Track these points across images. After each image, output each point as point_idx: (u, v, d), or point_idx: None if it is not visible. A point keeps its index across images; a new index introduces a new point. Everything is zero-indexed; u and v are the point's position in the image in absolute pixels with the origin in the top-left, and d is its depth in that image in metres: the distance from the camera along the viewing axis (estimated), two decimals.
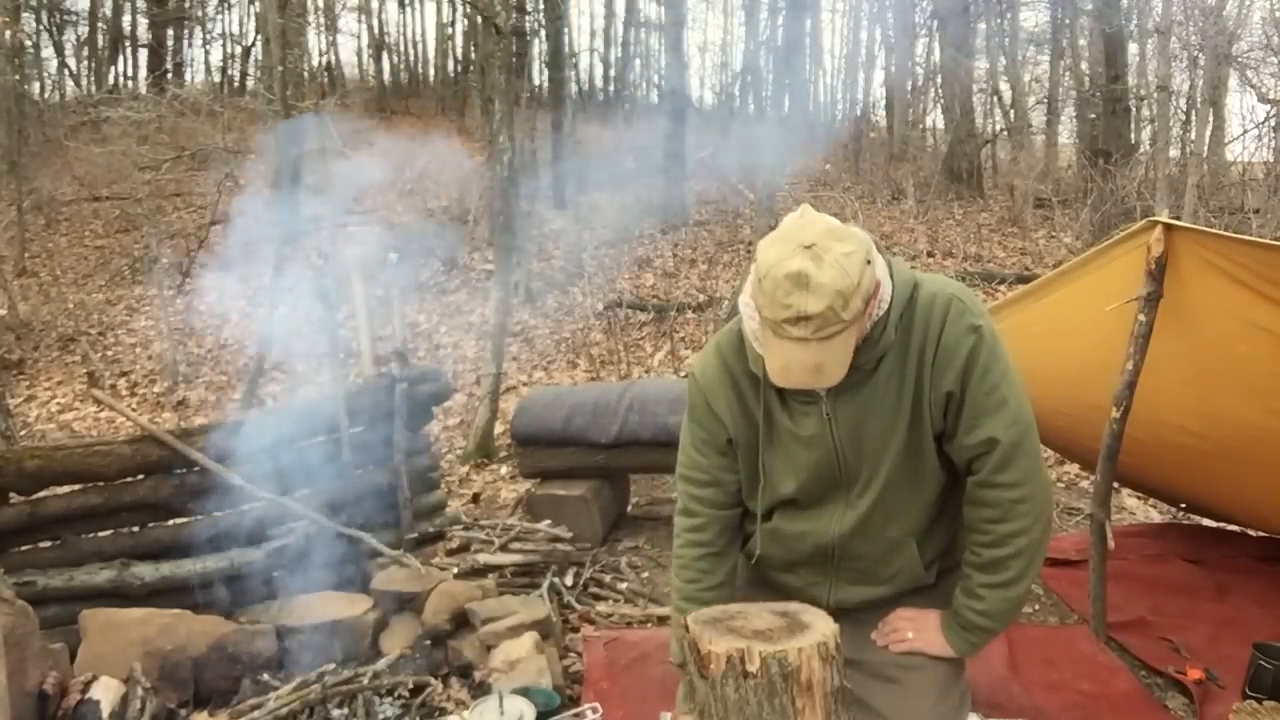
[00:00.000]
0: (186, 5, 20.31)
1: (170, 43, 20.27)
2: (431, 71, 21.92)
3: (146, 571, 3.29)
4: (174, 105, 11.75)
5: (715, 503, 1.90)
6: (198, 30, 21.21)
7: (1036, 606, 3.80)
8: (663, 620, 3.65)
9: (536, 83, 14.82)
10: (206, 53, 21.97)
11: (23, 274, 11.11)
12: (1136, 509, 5.06)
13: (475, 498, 5.49)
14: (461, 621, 3.23)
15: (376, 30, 20.87)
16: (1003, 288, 9.11)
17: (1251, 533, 4.29)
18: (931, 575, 1.89)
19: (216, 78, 20.51)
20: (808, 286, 1.48)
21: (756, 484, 1.86)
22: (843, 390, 1.70)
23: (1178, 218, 4.91)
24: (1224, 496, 3.96)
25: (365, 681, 2.86)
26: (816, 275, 1.48)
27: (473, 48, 16.41)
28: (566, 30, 16.01)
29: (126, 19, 20.12)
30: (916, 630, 1.86)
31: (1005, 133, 15.28)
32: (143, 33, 20.08)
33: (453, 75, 20.41)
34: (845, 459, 1.76)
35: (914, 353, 1.68)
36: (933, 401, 1.69)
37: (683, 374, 7.35)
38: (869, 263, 1.55)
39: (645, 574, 4.20)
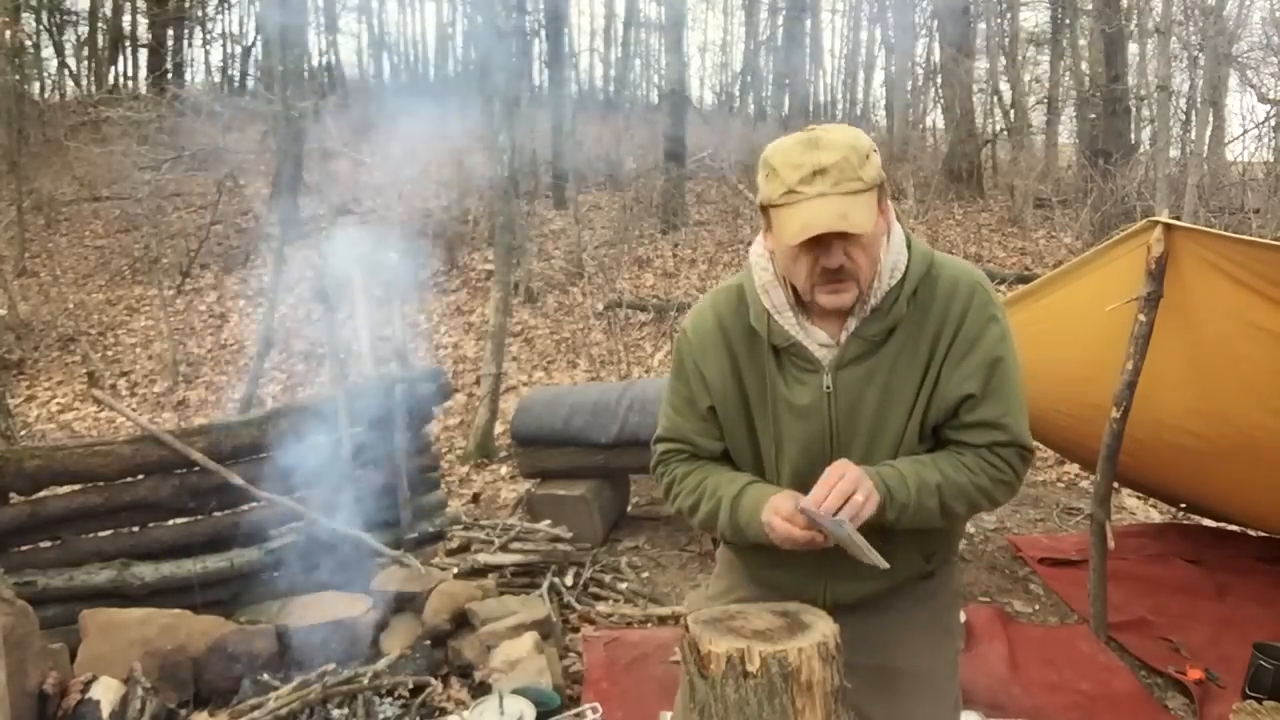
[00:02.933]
0: (186, 5, 20.32)
1: (170, 43, 20.27)
2: (431, 71, 21.93)
3: (146, 571, 3.29)
4: (174, 105, 11.75)
5: (687, 460, 1.81)
6: (198, 30, 21.24)
7: (1036, 606, 3.80)
8: (663, 620, 3.65)
9: (536, 83, 14.82)
10: (206, 53, 22.04)
11: (23, 274, 11.10)
12: (1136, 509, 5.06)
13: (475, 498, 5.49)
14: (461, 621, 3.23)
15: (376, 30, 20.90)
16: (1003, 288, 9.10)
17: (1251, 533, 4.30)
18: (932, 565, 1.81)
19: (216, 78, 20.55)
20: (819, 145, 1.49)
21: (751, 455, 1.77)
22: (846, 361, 1.64)
23: (1178, 218, 4.92)
24: (1224, 496, 3.96)
25: (365, 681, 2.86)
26: (827, 135, 1.50)
27: (473, 48, 16.44)
28: (566, 30, 16.02)
29: (126, 19, 20.14)
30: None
31: (1005, 133, 15.27)
32: (143, 33, 20.08)
33: (452, 75, 20.42)
34: (839, 435, 1.67)
35: (929, 333, 1.63)
36: (944, 394, 1.63)
37: None
38: (875, 151, 1.54)
39: (645, 574, 4.20)
